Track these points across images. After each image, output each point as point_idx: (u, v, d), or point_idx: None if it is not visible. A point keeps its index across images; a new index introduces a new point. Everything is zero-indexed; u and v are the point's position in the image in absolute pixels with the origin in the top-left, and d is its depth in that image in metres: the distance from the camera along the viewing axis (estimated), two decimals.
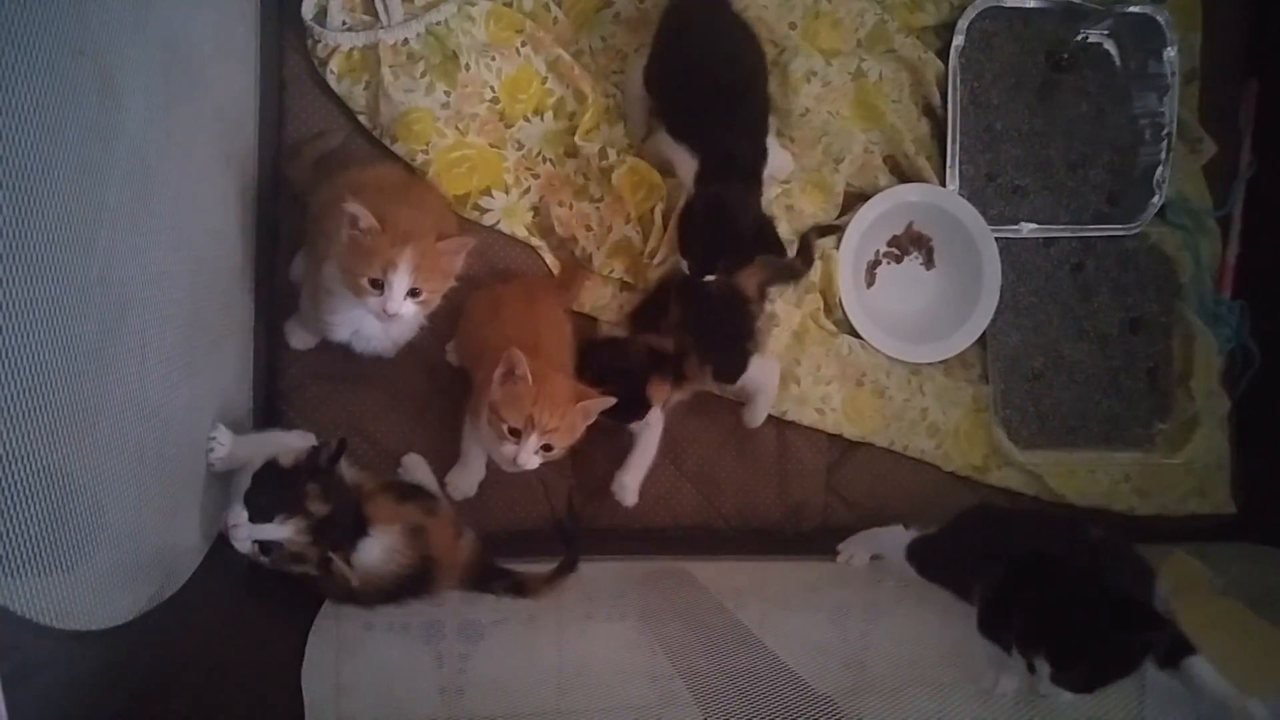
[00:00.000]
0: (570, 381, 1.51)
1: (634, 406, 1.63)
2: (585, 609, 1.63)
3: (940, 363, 1.97)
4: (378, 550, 1.38)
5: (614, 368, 1.62)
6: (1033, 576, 1.33)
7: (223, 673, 1.15)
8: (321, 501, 1.29)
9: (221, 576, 1.32)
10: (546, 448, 1.45)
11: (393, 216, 1.36)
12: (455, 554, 1.51)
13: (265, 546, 1.27)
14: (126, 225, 1.02)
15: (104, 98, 0.95)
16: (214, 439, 1.38)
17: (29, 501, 0.80)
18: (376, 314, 1.38)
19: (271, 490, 1.28)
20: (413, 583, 1.44)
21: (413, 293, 1.38)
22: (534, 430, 1.42)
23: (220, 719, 1.06)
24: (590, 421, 1.50)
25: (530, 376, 1.42)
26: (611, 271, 1.81)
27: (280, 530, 1.26)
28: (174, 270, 1.19)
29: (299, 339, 1.67)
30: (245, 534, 1.26)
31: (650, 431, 1.72)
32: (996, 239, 1.94)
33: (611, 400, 1.49)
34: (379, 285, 1.35)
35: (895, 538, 1.69)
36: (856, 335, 1.92)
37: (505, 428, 1.44)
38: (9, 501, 0.77)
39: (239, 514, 1.26)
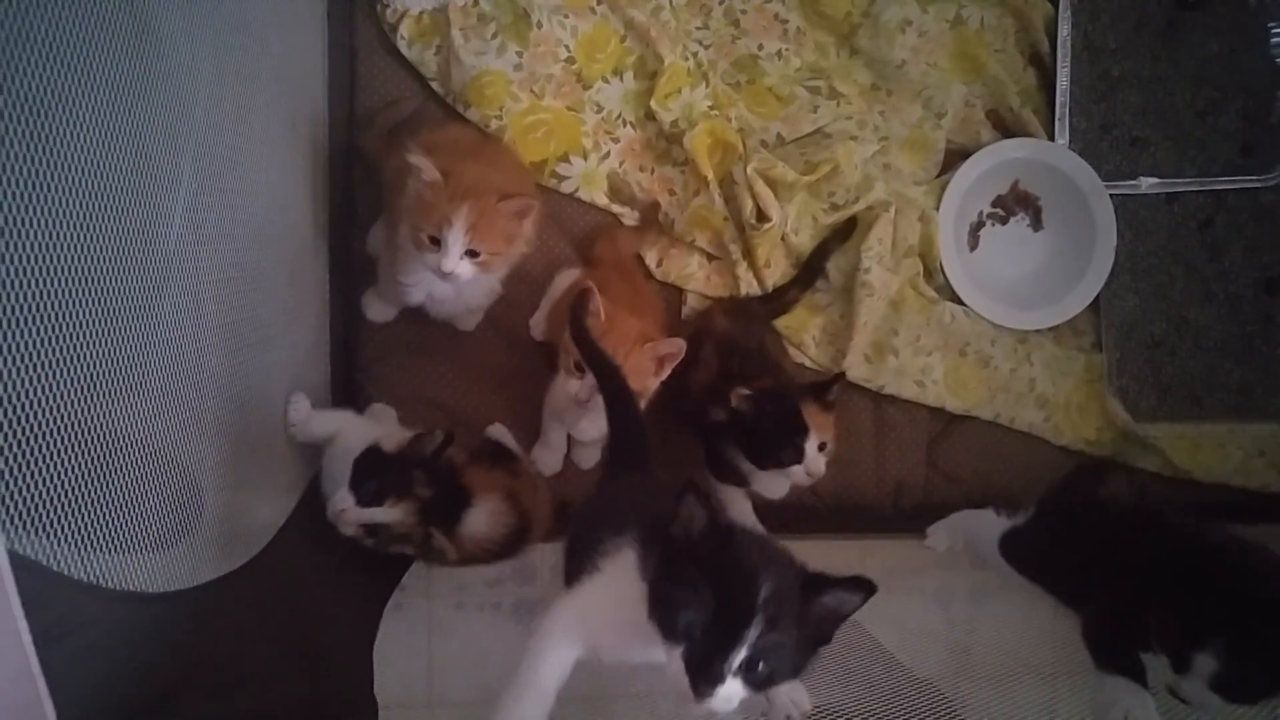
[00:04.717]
0: (643, 327, 1.45)
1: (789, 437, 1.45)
2: None
3: (1049, 330, 1.84)
4: (484, 518, 1.39)
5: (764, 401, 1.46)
6: (1189, 566, 1.19)
7: (289, 645, 1.12)
8: (426, 485, 1.31)
9: (296, 551, 1.29)
10: None
11: (457, 172, 1.31)
12: (542, 506, 1.51)
13: (372, 529, 1.28)
14: (168, 178, 0.98)
15: (140, 40, 0.90)
16: (292, 404, 1.38)
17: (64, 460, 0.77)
18: (433, 271, 1.34)
19: (378, 475, 1.29)
20: (514, 540, 1.45)
21: (471, 253, 1.33)
22: None
23: (283, 691, 1.03)
24: (662, 373, 1.43)
25: (603, 314, 1.38)
26: (694, 240, 1.73)
27: (389, 514, 1.28)
28: (233, 233, 1.16)
29: (376, 311, 1.63)
30: (353, 518, 1.27)
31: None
32: (1112, 196, 1.80)
33: (680, 343, 1.41)
34: (437, 242, 1.31)
35: (986, 525, 1.57)
36: (959, 302, 1.80)
37: (572, 362, 1.40)
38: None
39: (346, 499, 1.27)
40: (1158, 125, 1.84)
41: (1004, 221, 1.86)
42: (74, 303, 0.80)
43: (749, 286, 1.73)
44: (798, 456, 1.45)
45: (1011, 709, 1.37)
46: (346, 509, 1.27)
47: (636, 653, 0.91)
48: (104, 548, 0.83)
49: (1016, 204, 1.85)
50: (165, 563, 0.96)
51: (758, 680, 0.83)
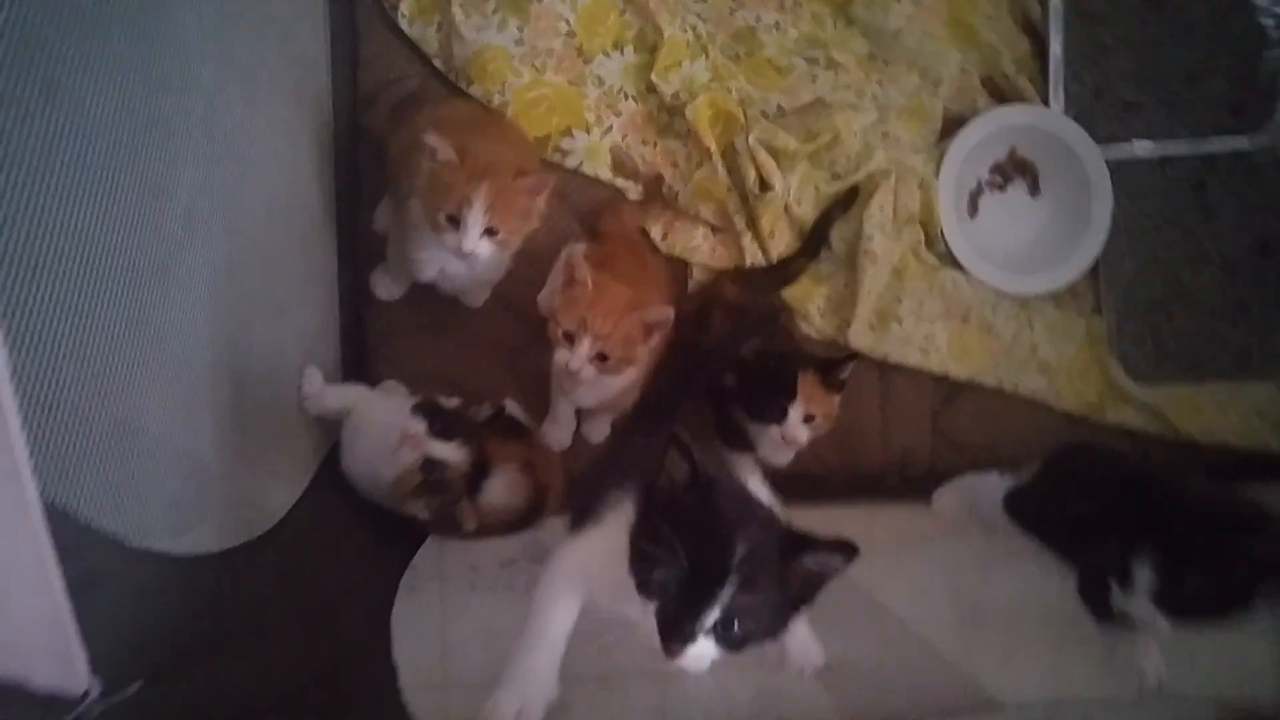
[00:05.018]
0: (633, 295, 1.43)
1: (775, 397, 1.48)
2: None
3: (1050, 296, 1.85)
4: (502, 489, 1.40)
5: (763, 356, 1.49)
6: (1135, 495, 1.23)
7: (307, 612, 1.12)
8: (478, 448, 1.35)
9: (312, 524, 1.30)
10: (602, 357, 1.39)
11: (472, 151, 1.31)
12: (557, 479, 1.52)
13: (430, 465, 1.29)
14: (181, 137, 0.98)
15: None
16: (306, 377, 1.38)
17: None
18: (453, 252, 1.34)
19: (447, 419, 1.32)
20: (529, 513, 1.45)
21: (490, 232, 1.33)
22: (587, 334, 1.36)
23: (303, 654, 1.03)
24: (651, 340, 1.42)
25: (590, 282, 1.37)
26: (698, 212, 1.73)
27: (455, 453, 1.30)
28: (243, 199, 1.17)
29: (385, 289, 1.63)
30: (423, 445, 1.28)
31: None
32: (1107, 160, 1.81)
33: (668, 310, 1.40)
34: (455, 222, 1.31)
35: (991, 486, 1.59)
36: (960, 269, 1.81)
37: (560, 332, 1.39)
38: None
39: (418, 424, 1.29)
40: (1148, 89, 1.86)
41: (1002, 188, 1.88)
42: (92, 257, 0.80)
43: (754, 257, 1.74)
44: (779, 417, 1.48)
45: (1021, 673, 1.38)
46: (419, 435, 1.27)
47: (633, 605, 0.88)
48: (126, 507, 0.83)
49: (1014, 170, 1.87)
50: (184, 526, 0.96)
51: (732, 641, 0.82)
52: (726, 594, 0.80)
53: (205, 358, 1.06)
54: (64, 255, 0.75)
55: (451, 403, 1.42)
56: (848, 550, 0.84)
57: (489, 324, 1.69)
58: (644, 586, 0.84)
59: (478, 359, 1.69)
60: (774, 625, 0.86)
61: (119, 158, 0.85)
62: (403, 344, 1.67)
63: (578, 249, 1.67)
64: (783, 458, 1.61)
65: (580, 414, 1.68)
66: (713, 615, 0.80)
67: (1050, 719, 1.28)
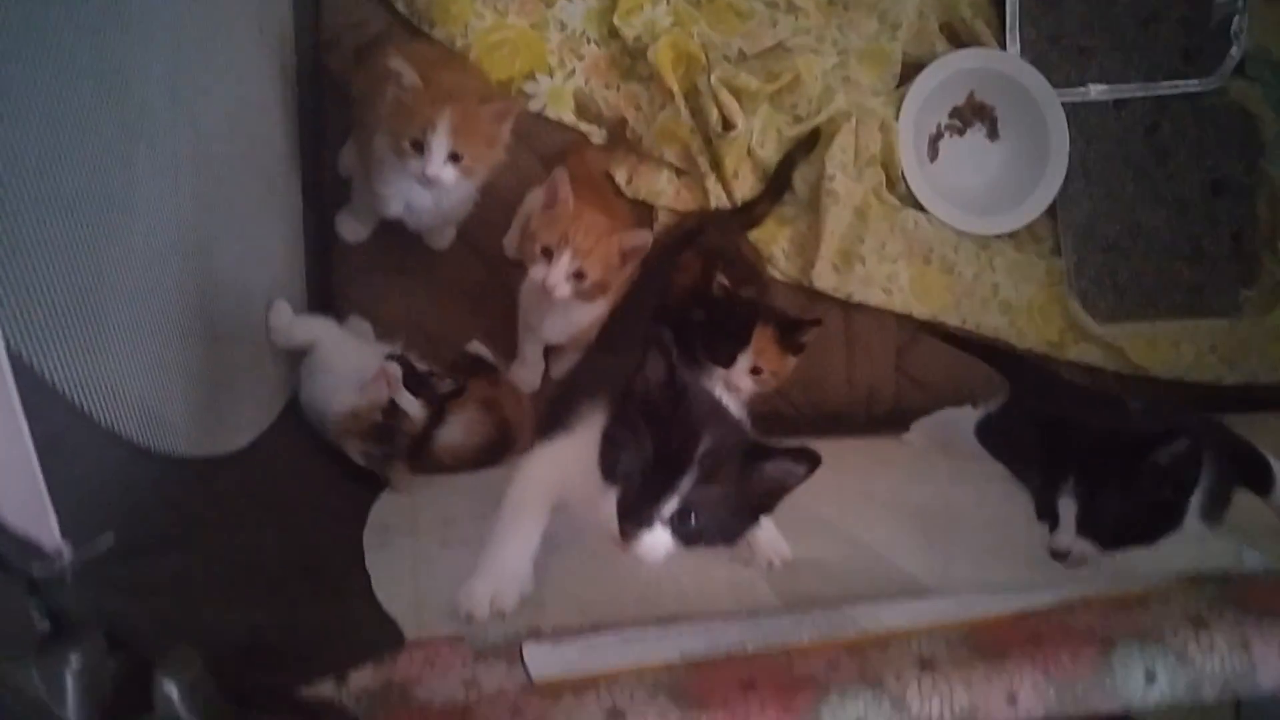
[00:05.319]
0: (612, 220, 1.46)
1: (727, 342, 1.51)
2: None
3: (1010, 237, 1.89)
4: (459, 428, 1.42)
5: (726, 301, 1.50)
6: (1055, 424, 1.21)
7: (280, 525, 1.12)
8: (434, 415, 1.39)
9: (283, 450, 1.30)
10: (579, 276, 1.40)
11: (436, 77, 1.33)
12: (525, 415, 1.52)
13: (392, 410, 1.33)
14: (143, 27, 0.97)
15: None
16: (274, 310, 1.38)
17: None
18: (417, 178, 1.35)
19: (419, 377, 1.37)
20: (494, 450, 1.46)
21: (454, 158, 1.34)
22: (567, 248, 1.38)
23: (275, 557, 1.03)
24: (626, 267, 1.44)
25: (571, 201, 1.39)
26: (662, 155, 1.75)
27: (417, 410, 1.35)
28: (207, 112, 1.15)
29: (351, 230, 1.64)
30: (398, 393, 1.33)
31: None
32: (1063, 103, 1.85)
33: (645, 234, 1.44)
34: (419, 147, 1.32)
35: (965, 417, 1.61)
36: (921, 209, 1.84)
37: (538, 248, 1.40)
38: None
39: (397, 369, 1.33)
40: (1103, 34, 1.90)
41: (961, 132, 1.91)
42: (51, 122, 0.79)
43: (718, 199, 1.76)
44: (725, 362, 1.50)
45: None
46: (394, 375, 1.31)
47: (602, 509, 0.90)
48: (92, 384, 0.82)
49: (973, 114, 1.90)
50: (153, 422, 0.94)
51: (688, 533, 0.84)
52: (686, 484, 0.82)
53: (174, 263, 1.04)
54: (19, 115, 0.73)
55: (422, 366, 1.43)
56: (809, 458, 0.86)
57: (455, 267, 1.70)
58: (609, 472, 0.86)
59: (444, 303, 1.70)
60: (731, 527, 0.89)
61: (77, 32, 0.84)
62: (369, 286, 1.68)
63: (562, 172, 1.68)
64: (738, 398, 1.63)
65: (548, 355, 1.70)
66: (671, 504, 0.83)
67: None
